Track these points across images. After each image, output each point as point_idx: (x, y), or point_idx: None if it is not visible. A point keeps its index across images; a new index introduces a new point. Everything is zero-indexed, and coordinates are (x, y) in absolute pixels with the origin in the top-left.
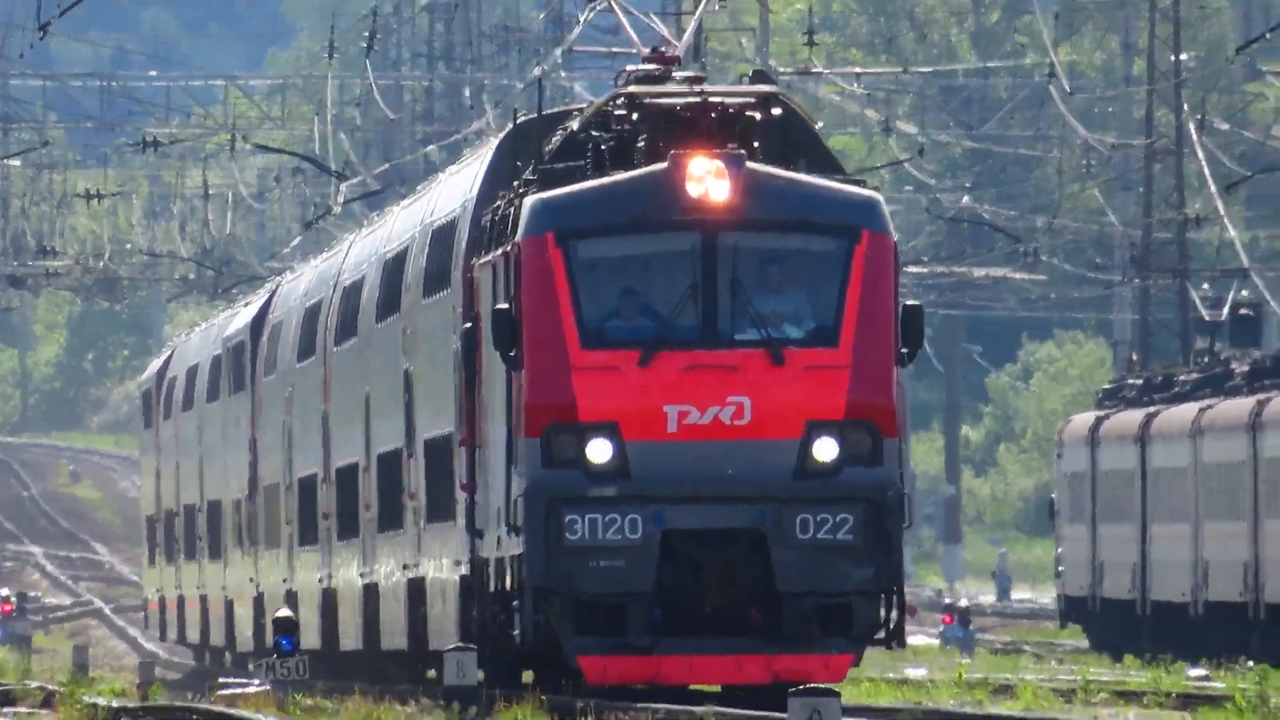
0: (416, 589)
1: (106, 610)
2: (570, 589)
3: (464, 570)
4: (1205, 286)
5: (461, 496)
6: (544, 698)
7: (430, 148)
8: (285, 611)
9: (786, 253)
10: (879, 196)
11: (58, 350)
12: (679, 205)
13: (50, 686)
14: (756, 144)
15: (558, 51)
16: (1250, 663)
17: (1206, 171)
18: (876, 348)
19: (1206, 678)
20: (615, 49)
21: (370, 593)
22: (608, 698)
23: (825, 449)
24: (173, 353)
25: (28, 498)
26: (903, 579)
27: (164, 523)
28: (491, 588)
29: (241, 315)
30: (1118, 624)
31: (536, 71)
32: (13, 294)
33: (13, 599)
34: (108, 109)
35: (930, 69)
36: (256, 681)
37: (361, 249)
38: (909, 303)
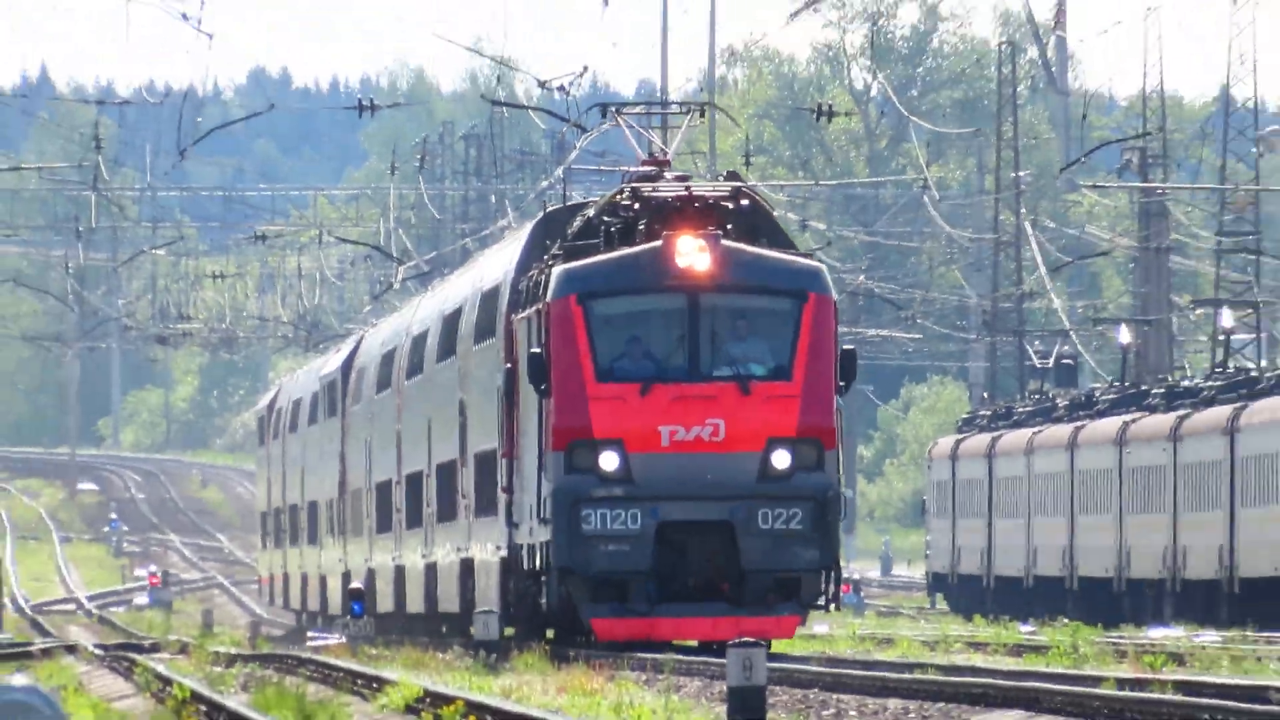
0: (467, 567)
1: (226, 584)
2: (586, 567)
3: (503, 553)
4: (1037, 343)
5: (502, 497)
6: (547, 648)
7: (467, 240)
8: (357, 584)
9: (752, 310)
10: (823, 266)
11: (191, 390)
12: (670, 273)
13: (185, 639)
14: (729, 226)
15: (559, 170)
16: (1066, 621)
17: (1038, 258)
18: (821, 382)
19: (1034, 632)
20: (603, 166)
21: (430, 570)
22: (614, 651)
23: (781, 459)
24: (279, 389)
25: (168, 499)
26: (839, 559)
27: (273, 518)
28: (525, 567)
29: (334, 359)
30: (971, 593)
31: (544, 184)
32: (158, 348)
33: (159, 574)
34: (229, 212)
35: (835, 182)
36: (336, 636)
37: (427, 307)
38: (845, 347)
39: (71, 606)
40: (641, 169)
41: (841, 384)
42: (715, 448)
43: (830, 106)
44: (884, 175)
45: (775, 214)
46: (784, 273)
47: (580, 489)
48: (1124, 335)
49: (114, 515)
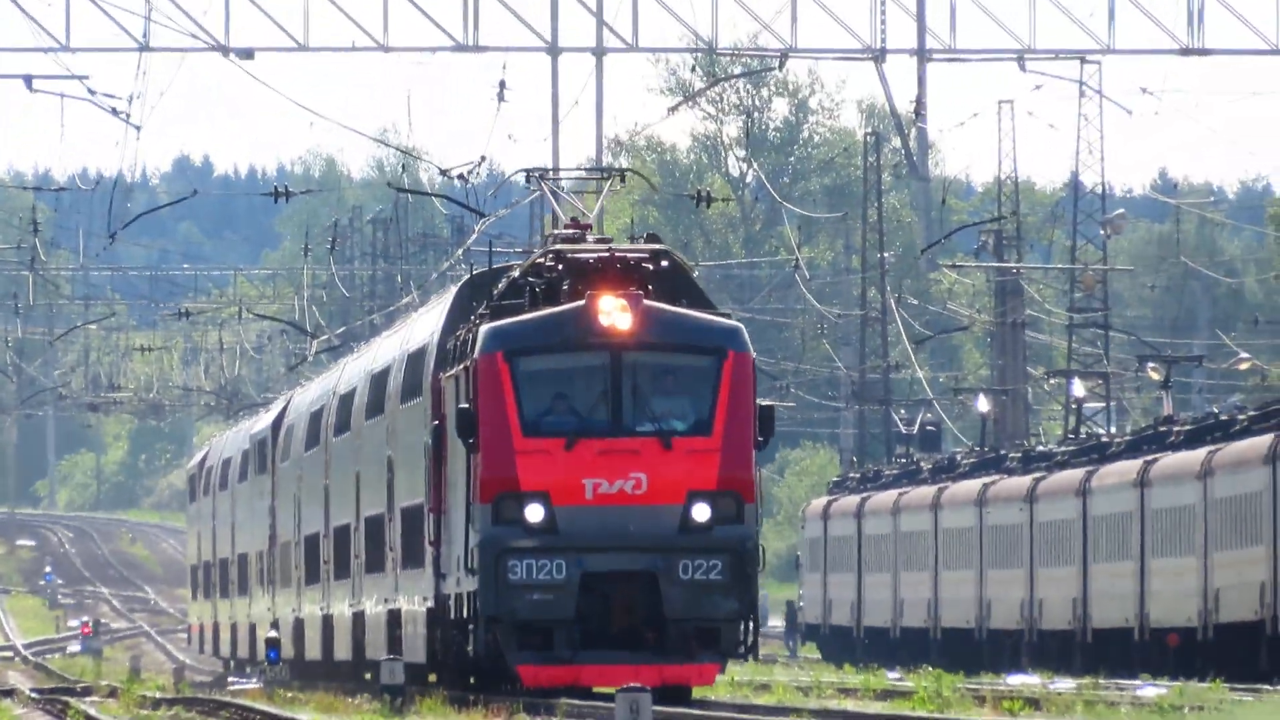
0: (394, 617)
1: (153, 633)
2: (512, 615)
3: (430, 604)
4: (902, 411)
5: (429, 550)
6: (445, 693)
7: (374, 316)
8: (273, 633)
9: (673, 367)
10: (741, 326)
11: (121, 454)
12: (593, 332)
13: (115, 684)
14: (650, 286)
15: (460, 251)
16: (930, 668)
17: (903, 332)
18: (740, 437)
19: (901, 679)
20: (498, 249)
21: (358, 619)
22: (540, 697)
23: (701, 511)
24: (209, 449)
25: (100, 555)
26: (758, 609)
27: (203, 570)
28: (452, 616)
29: (264, 419)
30: (841, 643)
31: (445, 265)
32: (91, 415)
33: (91, 624)
34: (155, 290)
35: (714, 263)
36: (254, 681)
37: (354, 368)
38: (763, 403)
39: (9, 654)
40: (564, 231)
41: (760, 439)
42: (638, 500)
43: (709, 192)
44: (759, 256)
45: (695, 275)
46: (704, 331)
47: (506, 540)
48: (983, 404)
49: (49, 569)
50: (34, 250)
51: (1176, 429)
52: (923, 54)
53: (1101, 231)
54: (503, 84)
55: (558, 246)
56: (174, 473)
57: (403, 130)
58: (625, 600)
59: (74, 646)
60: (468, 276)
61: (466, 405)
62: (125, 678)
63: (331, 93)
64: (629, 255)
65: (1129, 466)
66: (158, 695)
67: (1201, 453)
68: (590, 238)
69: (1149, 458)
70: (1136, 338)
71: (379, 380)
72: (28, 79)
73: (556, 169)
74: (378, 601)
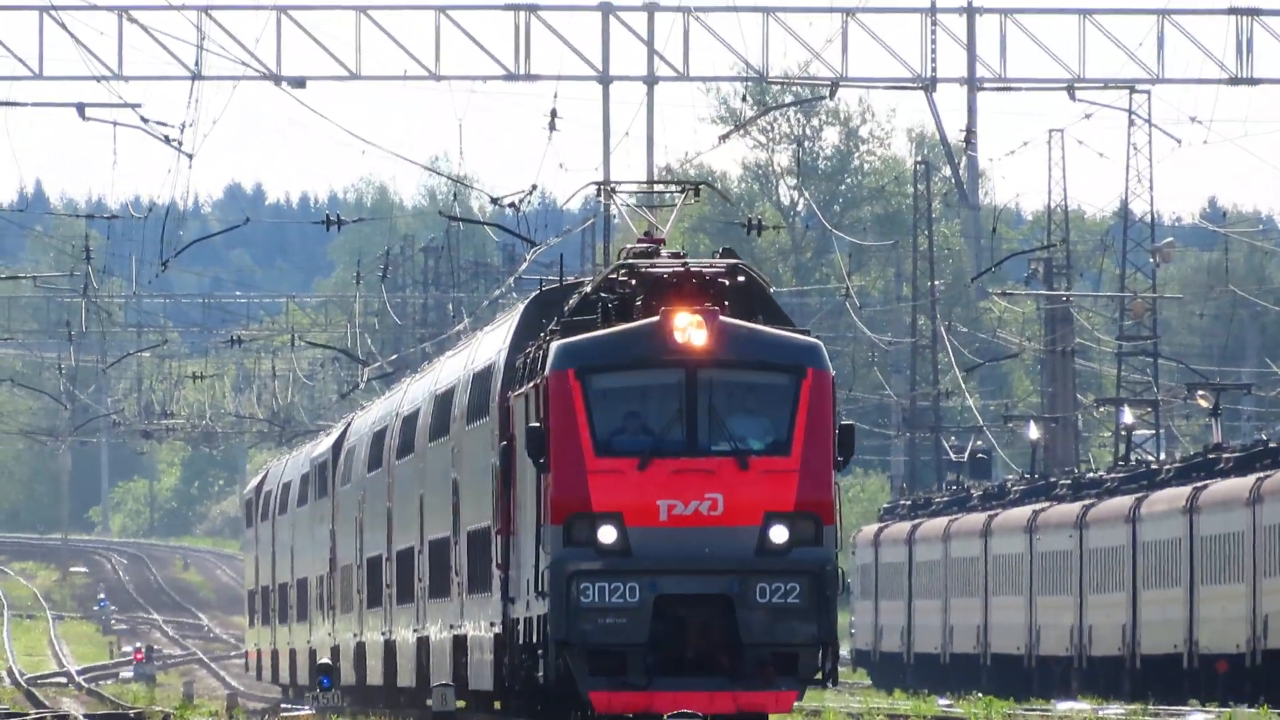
0: (459, 643)
1: (205, 659)
2: (584, 640)
3: (498, 629)
4: (952, 438)
5: (497, 573)
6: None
7: (426, 344)
8: (325, 660)
9: (750, 385)
10: (820, 343)
11: (174, 480)
12: (668, 349)
13: (167, 709)
14: (726, 303)
15: (511, 279)
16: (980, 695)
17: (953, 360)
18: (819, 456)
19: (951, 705)
20: (549, 277)
21: (422, 645)
22: None
23: (779, 534)
24: (266, 474)
25: (153, 581)
26: (837, 633)
27: (261, 596)
28: (521, 641)
29: (324, 442)
30: (891, 669)
31: (497, 293)
32: (144, 442)
33: (144, 649)
34: (208, 317)
35: None
36: (307, 709)
37: (417, 389)
38: (844, 423)
39: (63, 679)
40: (636, 246)
41: (840, 459)
42: (713, 521)
43: (760, 221)
44: (809, 284)
45: (771, 290)
46: (782, 348)
47: (578, 562)
48: (1033, 431)
49: (103, 595)
50: (87, 278)
51: (1225, 456)
52: (973, 83)
53: (1151, 260)
54: (554, 112)
55: (630, 261)
56: (227, 500)
57: (454, 159)
58: (700, 624)
59: (127, 673)
60: (536, 293)
61: (537, 424)
62: (179, 704)
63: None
64: (704, 270)
65: (1178, 493)
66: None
67: (1250, 480)
68: (664, 253)
69: (1198, 484)
70: (1185, 365)
71: (443, 401)
72: (80, 107)
73: (625, 181)
74: (442, 627)
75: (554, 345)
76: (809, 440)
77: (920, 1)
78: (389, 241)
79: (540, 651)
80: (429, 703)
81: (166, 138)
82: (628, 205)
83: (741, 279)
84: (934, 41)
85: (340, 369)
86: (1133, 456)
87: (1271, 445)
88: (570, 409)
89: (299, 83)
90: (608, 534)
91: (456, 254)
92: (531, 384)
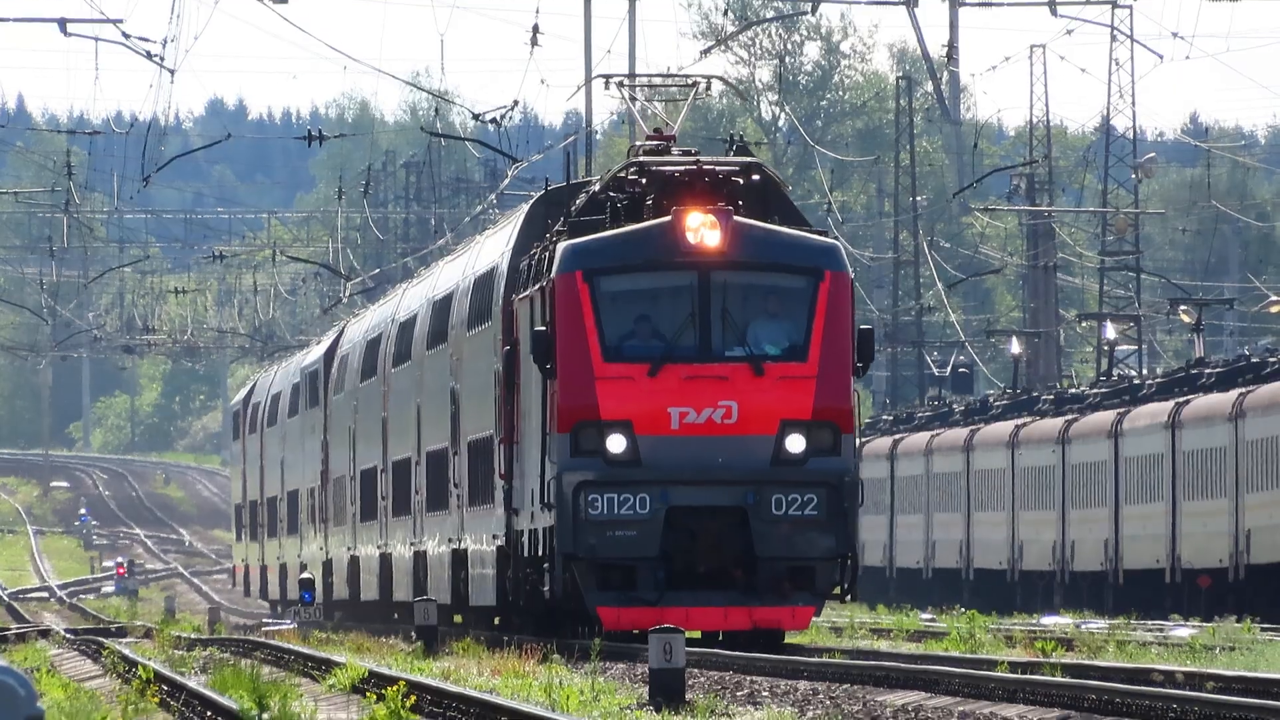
0: (459, 557)
1: (186, 574)
2: (592, 553)
3: (500, 542)
4: (935, 354)
5: (500, 484)
6: (482, 636)
7: (408, 259)
8: (307, 574)
9: (766, 287)
10: (839, 243)
11: (155, 396)
12: (680, 250)
13: (149, 624)
14: (740, 202)
15: (493, 195)
16: (962, 610)
17: (935, 276)
18: (837, 362)
19: (933, 620)
20: (532, 192)
21: (419, 559)
22: (619, 641)
23: (795, 443)
24: (254, 385)
25: (134, 496)
26: (857, 546)
27: (249, 510)
28: (525, 554)
29: (315, 350)
30: (874, 584)
31: (479, 208)
32: (125, 357)
33: (125, 564)
34: (189, 233)
35: None
36: (288, 622)
37: (413, 295)
38: (863, 327)
39: (45, 594)
40: (647, 144)
41: (859, 365)
42: (727, 430)
43: (741, 137)
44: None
45: (788, 190)
46: (799, 249)
47: (586, 472)
48: (1015, 346)
49: (84, 511)
50: (68, 193)
51: (1208, 371)
52: None
53: (1133, 175)
54: (536, 28)
55: (641, 159)
56: (208, 415)
57: (435, 74)
58: (713, 537)
59: (108, 587)
60: (541, 192)
61: (543, 328)
62: (160, 619)
63: (365, 37)
64: (718, 168)
65: (1160, 409)
66: (192, 636)
67: (1233, 395)
68: (674, 151)
69: (1180, 400)
70: (1168, 281)
71: (442, 306)
72: (62, 23)
73: (633, 74)
74: (441, 541)
75: (561, 246)
76: (827, 345)
77: None
78: (370, 157)
79: (546, 565)
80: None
81: (149, 53)
82: (637, 101)
83: (757, 178)
84: None
85: (322, 284)
86: (1115, 372)
87: (1254, 360)
88: (578, 312)
89: None
90: (616, 443)
91: (438, 170)
92: (537, 286)
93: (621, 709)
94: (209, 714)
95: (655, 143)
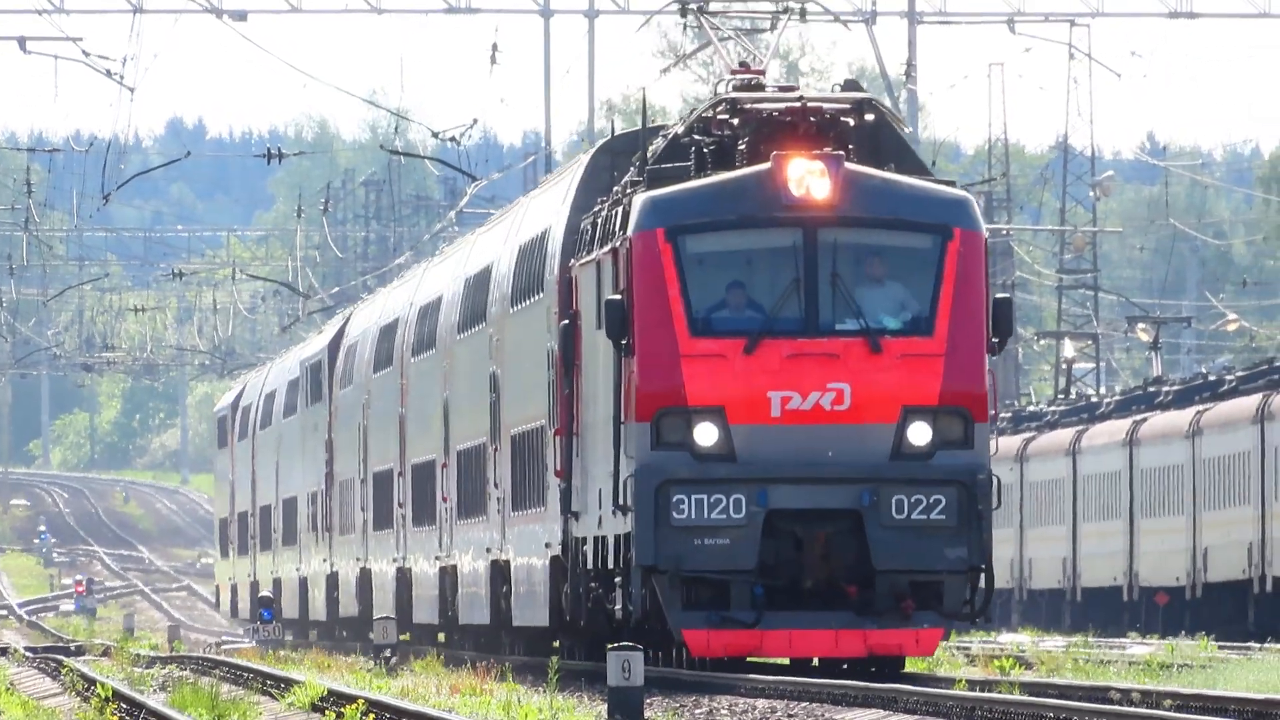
0: (499, 570)
1: (147, 590)
2: (677, 566)
3: (555, 551)
4: None
5: (555, 483)
6: (441, 655)
7: (367, 277)
8: (266, 593)
9: (884, 248)
10: (970, 196)
11: (115, 414)
12: (781, 203)
13: (108, 642)
14: (851, 147)
15: (452, 213)
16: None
17: None
18: (969, 337)
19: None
20: (492, 210)
21: (446, 574)
22: (710, 669)
23: (920, 433)
24: (245, 386)
25: (93, 513)
26: (991, 558)
27: (237, 523)
28: (590, 566)
29: (317, 341)
30: None
31: (438, 227)
32: (85, 375)
33: (84, 582)
34: (149, 251)
35: None
36: (247, 641)
37: (436, 274)
38: (999, 295)
39: (4, 612)
40: (735, 78)
41: (994, 341)
42: (838, 419)
43: (851, 75)
44: None
45: (907, 132)
46: (923, 203)
47: (671, 468)
48: None
49: (43, 528)
50: (28, 211)
51: (1165, 389)
52: (913, 17)
53: (1091, 193)
54: (495, 47)
55: (733, 95)
56: (167, 433)
57: (394, 93)
58: (822, 546)
59: (68, 605)
60: (604, 141)
61: (617, 297)
62: (119, 636)
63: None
64: (824, 106)
65: (1118, 426)
66: (151, 654)
67: (1190, 412)
68: (769, 88)
69: (1138, 417)
70: (1126, 299)
71: (478, 283)
72: (21, 40)
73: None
74: (476, 553)
75: (638, 199)
76: (957, 317)
77: None
78: (330, 176)
79: (618, 580)
80: (371, 635)
81: (108, 71)
82: (717, 30)
83: (870, 117)
84: None
85: (281, 302)
86: (1073, 390)
87: (1211, 378)
88: (660, 277)
89: (240, 16)
90: (706, 434)
91: (397, 188)
92: (607, 249)
93: None
94: None
95: (745, 76)
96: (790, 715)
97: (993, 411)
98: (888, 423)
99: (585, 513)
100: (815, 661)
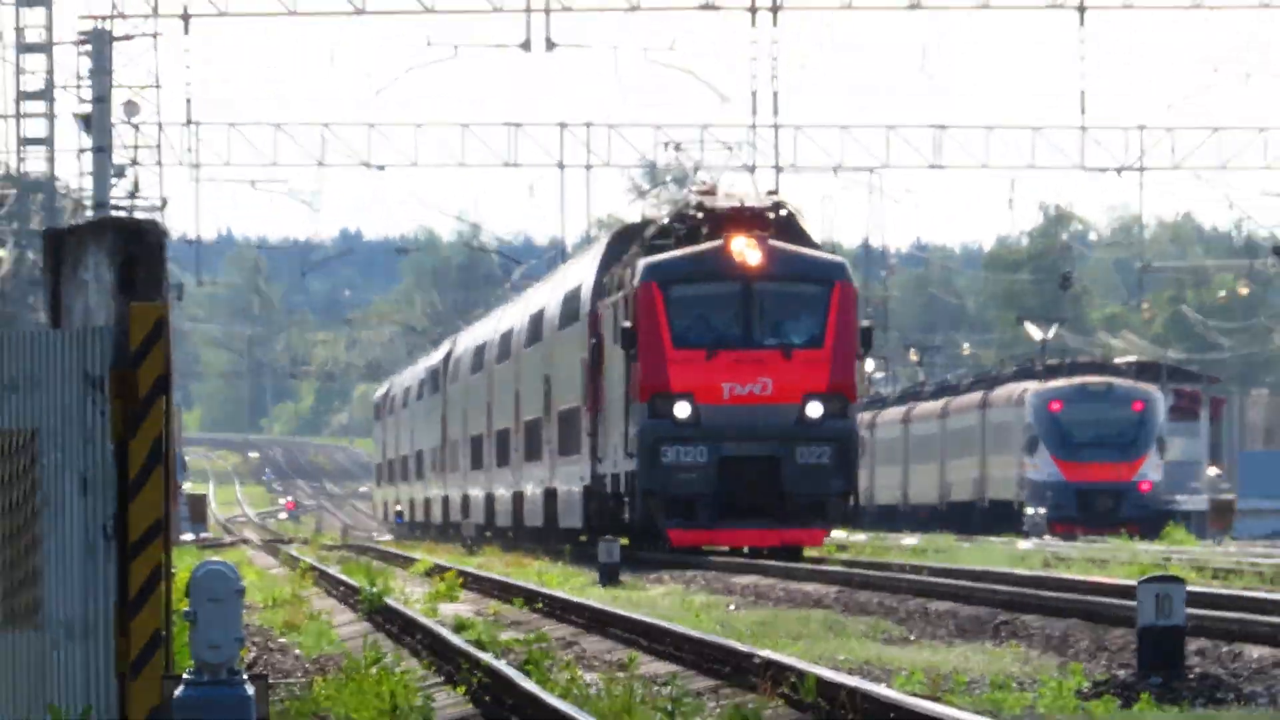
0: (550, 495)
1: (329, 506)
2: (664, 490)
3: (586, 482)
4: None
5: (587, 440)
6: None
7: (459, 321)
8: (399, 506)
9: (793, 294)
10: (846, 262)
11: (311, 400)
12: (730, 265)
13: (306, 537)
14: (772, 230)
15: (508, 284)
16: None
17: None
18: (845, 349)
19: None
20: (532, 282)
21: (517, 498)
22: (682, 553)
23: (814, 409)
24: (390, 384)
25: (298, 462)
26: (857, 487)
27: (387, 467)
28: (609, 491)
29: (435, 355)
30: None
31: (499, 293)
32: (292, 380)
33: (294, 501)
34: (331, 306)
35: None
36: (389, 536)
37: (510, 312)
38: (864, 323)
39: (244, 519)
40: (700, 193)
41: (861, 352)
42: (764, 400)
43: (772, 190)
44: None
45: (805, 224)
46: (818, 265)
47: (661, 430)
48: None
49: (268, 470)
50: (258, 284)
51: (926, 388)
52: (778, 169)
53: (883, 274)
54: (531, 188)
55: (700, 198)
56: (342, 413)
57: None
58: (754, 479)
59: (283, 515)
60: (615, 230)
61: (629, 324)
62: (312, 534)
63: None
64: (756, 205)
65: (898, 410)
66: (331, 543)
67: (942, 401)
68: (719, 192)
69: (910, 404)
70: (904, 334)
71: (536, 318)
72: (252, 182)
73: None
74: (536, 484)
75: (641, 262)
76: (838, 337)
77: None
78: (435, 262)
79: (627, 499)
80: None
81: (306, 202)
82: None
83: (784, 212)
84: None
85: (409, 336)
86: (870, 389)
87: (954, 382)
88: (654, 312)
89: (380, 167)
90: (683, 409)
91: (476, 269)
92: (621, 294)
93: (582, 585)
94: (341, 588)
95: (706, 188)
96: (705, 578)
97: (859, 397)
98: (794, 403)
99: (606, 458)
100: (745, 550)
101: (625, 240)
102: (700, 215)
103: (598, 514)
